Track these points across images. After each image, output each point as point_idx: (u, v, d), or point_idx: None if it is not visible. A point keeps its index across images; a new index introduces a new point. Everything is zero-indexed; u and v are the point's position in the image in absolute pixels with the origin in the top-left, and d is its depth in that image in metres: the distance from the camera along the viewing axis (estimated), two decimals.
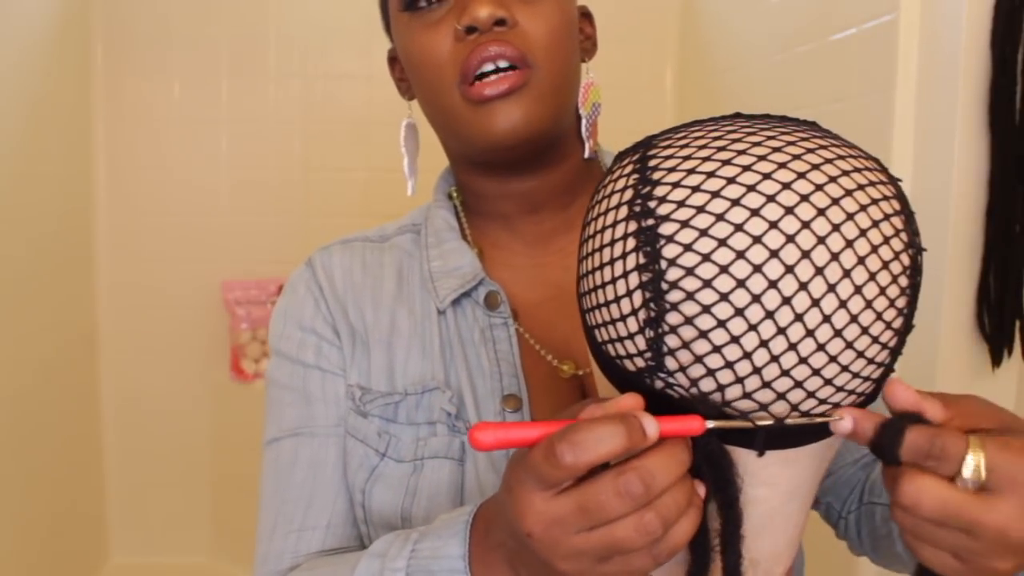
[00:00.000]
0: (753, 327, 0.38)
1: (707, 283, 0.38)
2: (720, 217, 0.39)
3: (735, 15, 1.96)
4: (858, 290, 0.38)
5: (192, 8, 2.25)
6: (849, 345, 0.39)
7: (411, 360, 0.69)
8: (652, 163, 0.42)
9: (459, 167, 0.73)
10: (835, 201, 0.39)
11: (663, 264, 0.39)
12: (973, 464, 0.40)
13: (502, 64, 0.62)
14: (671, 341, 0.40)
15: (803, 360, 0.39)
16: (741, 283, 0.38)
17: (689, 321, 0.39)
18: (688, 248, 0.39)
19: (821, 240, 0.38)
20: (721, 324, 0.39)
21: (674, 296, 0.39)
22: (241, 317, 2.28)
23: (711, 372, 0.40)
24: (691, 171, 0.40)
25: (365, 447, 0.68)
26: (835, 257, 0.38)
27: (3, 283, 1.80)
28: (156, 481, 2.34)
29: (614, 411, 0.41)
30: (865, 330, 0.39)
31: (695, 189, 0.40)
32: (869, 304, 0.39)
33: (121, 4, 2.24)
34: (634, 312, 0.41)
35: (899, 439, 0.40)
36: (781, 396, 0.40)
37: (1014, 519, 0.40)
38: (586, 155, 0.71)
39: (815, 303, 0.38)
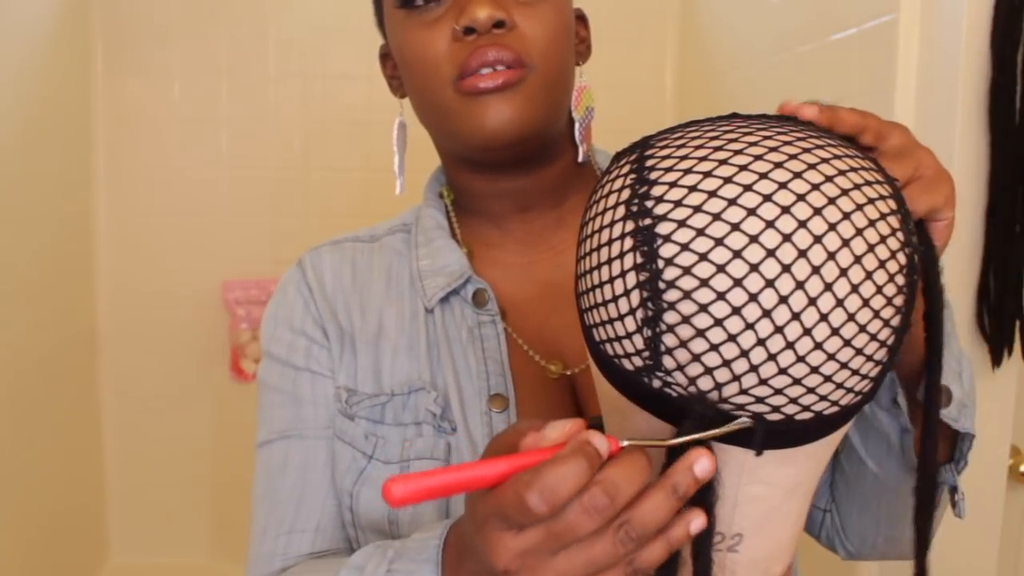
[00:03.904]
0: (750, 326, 0.38)
1: (704, 282, 0.38)
2: (717, 216, 0.39)
3: (735, 15, 1.96)
4: (855, 288, 0.39)
5: (192, 8, 2.25)
6: (847, 343, 0.39)
7: (398, 361, 0.69)
8: (649, 163, 0.42)
9: (450, 165, 0.73)
10: (831, 200, 0.39)
11: (660, 263, 0.39)
12: None
13: (499, 68, 0.62)
14: (668, 340, 0.40)
15: (801, 358, 0.39)
16: (738, 282, 0.38)
17: (686, 320, 0.39)
18: (685, 247, 0.39)
19: (818, 239, 0.38)
20: (718, 323, 0.38)
21: (671, 295, 0.39)
22: (241, 317, 2.28)
23: (708, 370, 0.40)
24: (688, 171, 0.40)
25: (352, 450, 0.68)
26: (832, 256, 0.38)
27: (3, 283, 1.80)
28: (156, 481, 2.34)
29: (556, 437, 0.40)
30: (863, 328, 0.39)
31: (692, 189, 0.40)
32: (866, 302, 0.39)
33: (121, 4, 2.24)
34: (632, 311, 0.41)
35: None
36: (779, 392, 0.40)
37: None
38: (580, 159, 0.71)
39: (812, 301, 0.38)
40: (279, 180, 2.31)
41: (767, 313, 0.38)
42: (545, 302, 0.70)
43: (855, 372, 0.40)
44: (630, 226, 0.41)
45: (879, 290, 0.39)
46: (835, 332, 0.39)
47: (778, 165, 0.39)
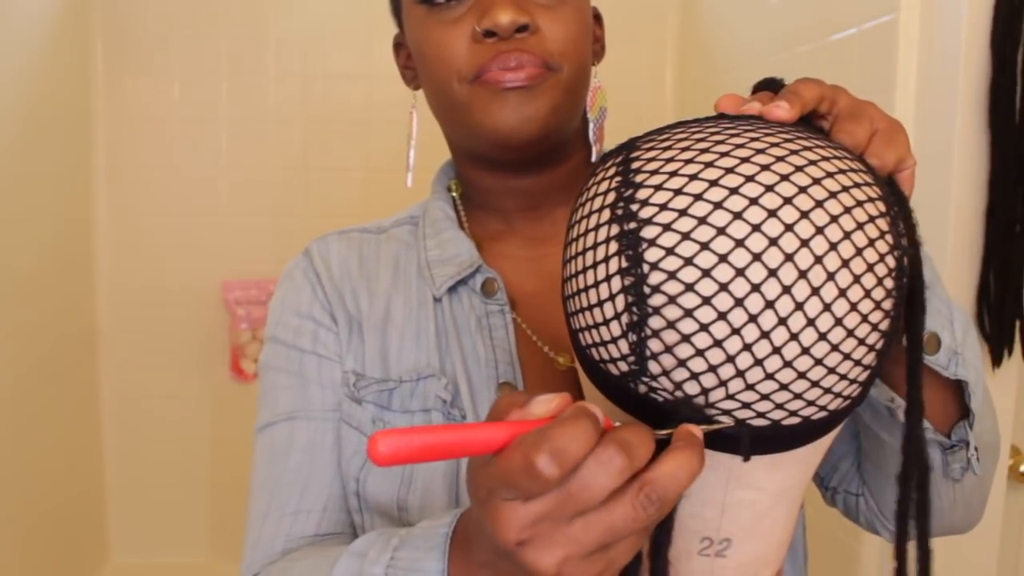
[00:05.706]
0: (736, 331, 0.38)
1: (689, 287, 0.38)
2: (702, 220, 0.38)
3: (735, 15, 1.95)
4: (842, 293, 0.38)
5: (192, 8, 2.25)
6: (835, 348, 0.39)
7: (405, 348, 0.68)
8: (635, 165, 0.42)
9: (461, 160, 0.73)
10: (819, 204, 0.38)
11: (645, 268, 0.39)
12: None
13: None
14: (654, 345, 0.39)
15: (787, 363, 0.38)
16: (724, 287, 0.37)
17: (671, 325, 0.39)
18: (670, 252, 0.38)
19: (804, 243, 0.37)
20: (703, 328, 0.38)
21: (656, 300, 0.39)
22: (241, 317, 2.28)
23: (694, 376, 0.39)
24: (673, 173, 0.40)
25: (359, 434, 0.67)
26: (819, 260, 0.37)
27: (3, 283, 1.80)
28: (156, 481, 2.34)
29: (542, 412, 0.38)
30: (851, 332, 0.39)
31: (677, 192, 0.39)
32: (854, 307, 0.38)
33: (121, 4, 2.24)
34: (617, 316, 0.40)
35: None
36: (765, 397, 0.39)
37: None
38: (594, 159, 0.71)
39: (799, 307, 0.37)
40: (279, 180, 2.31)
41: (753, 318, 0.37)
42: (553, 295, 0.70)
43: (843, 377, 0.40)
44: (615, 230, 0.41)
45: (867, 294, 0.39)
46: (822, 337, 0.38)
47: (765, 167, 0.39)
